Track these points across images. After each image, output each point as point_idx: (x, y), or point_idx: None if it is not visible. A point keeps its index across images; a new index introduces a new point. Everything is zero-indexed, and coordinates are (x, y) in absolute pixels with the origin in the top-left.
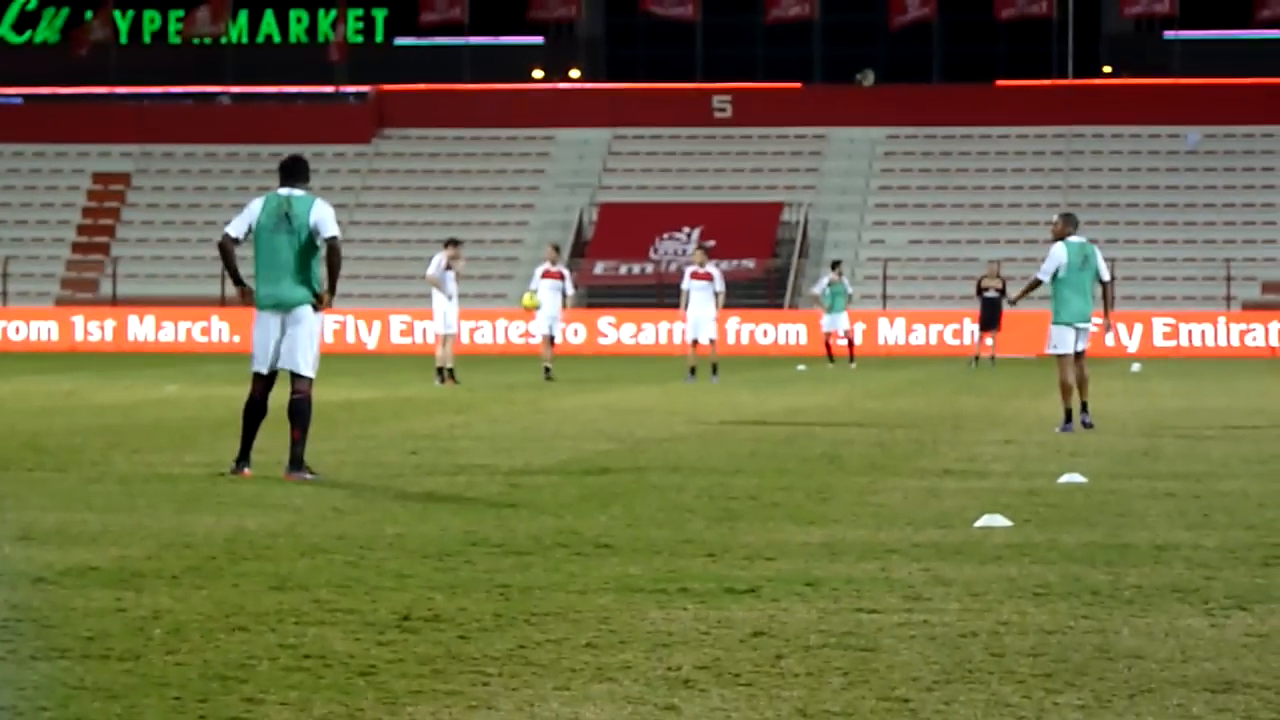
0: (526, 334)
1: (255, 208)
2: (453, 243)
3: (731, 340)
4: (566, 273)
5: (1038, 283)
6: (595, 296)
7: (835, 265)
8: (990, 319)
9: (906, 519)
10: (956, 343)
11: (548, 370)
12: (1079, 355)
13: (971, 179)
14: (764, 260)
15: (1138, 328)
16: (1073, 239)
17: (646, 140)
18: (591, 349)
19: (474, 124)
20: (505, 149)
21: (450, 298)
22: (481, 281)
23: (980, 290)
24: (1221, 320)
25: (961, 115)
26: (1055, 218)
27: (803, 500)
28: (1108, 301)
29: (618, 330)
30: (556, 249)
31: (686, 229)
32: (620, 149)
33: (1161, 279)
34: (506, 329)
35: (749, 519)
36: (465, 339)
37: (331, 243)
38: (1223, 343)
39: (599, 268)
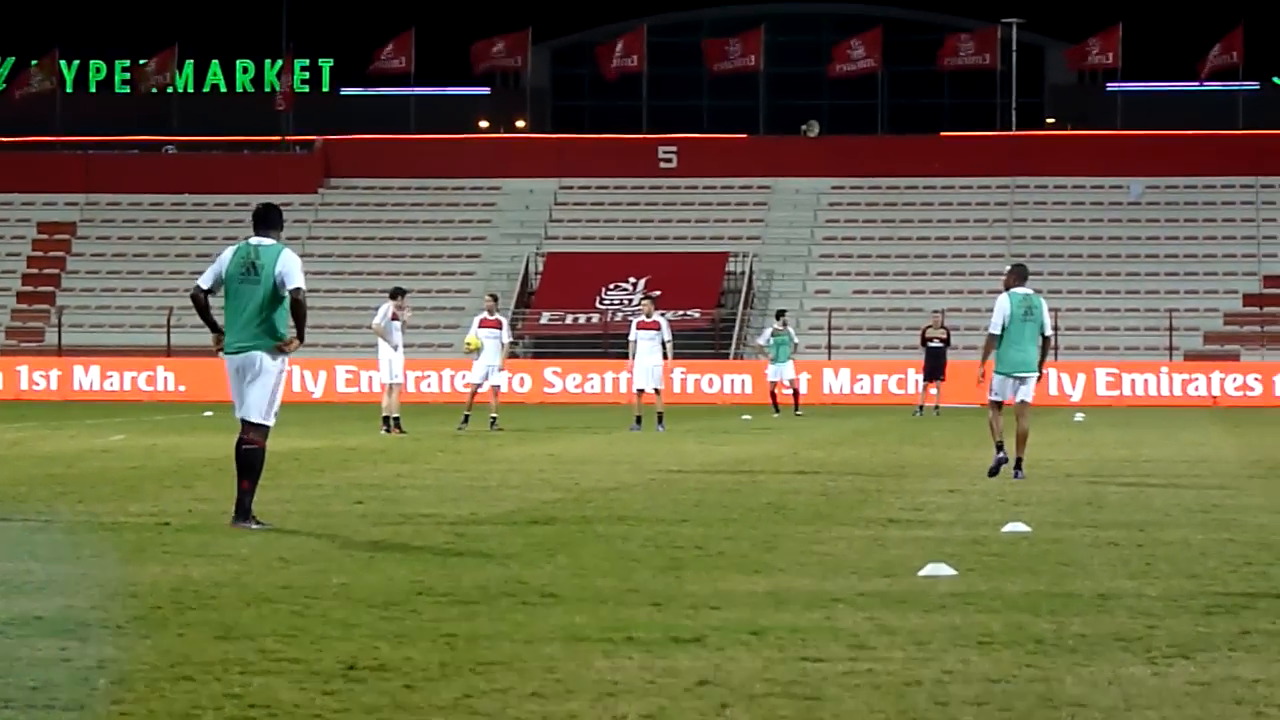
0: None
1: (225, 257)
2: (398, 292)
3: (678, 389)
4: (505, 322)
5: (991, 338)
6: (541, 346)
7: (780, 315)
8: (934, 369)
9: (852, 568)
10: (901, 392)
11: (493, 421)
12: (1022, 406)
13: (916, 229)
14: (709, 310)
15: (1081, 377)
16: (1017, 290)
17: (593, 190)
18: (537, 398)
19: (420, 174)
20: (452, 199)
21: (396, 348)
22: (428, 331)
23: (925, 340)
24: (1164, 370)
25: (906, 166)
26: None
27: (748, 549)
28: (1043, 353)
29: (563, 380)
30: (495, 298)
31: (632, 279)
32: (566, 199)
33: (1105, 329)
34: (452, 378)
35: (695, 568)
36: (411, 388)
37: (295, 294)
38: (1165, 392)
39: (545, 317)
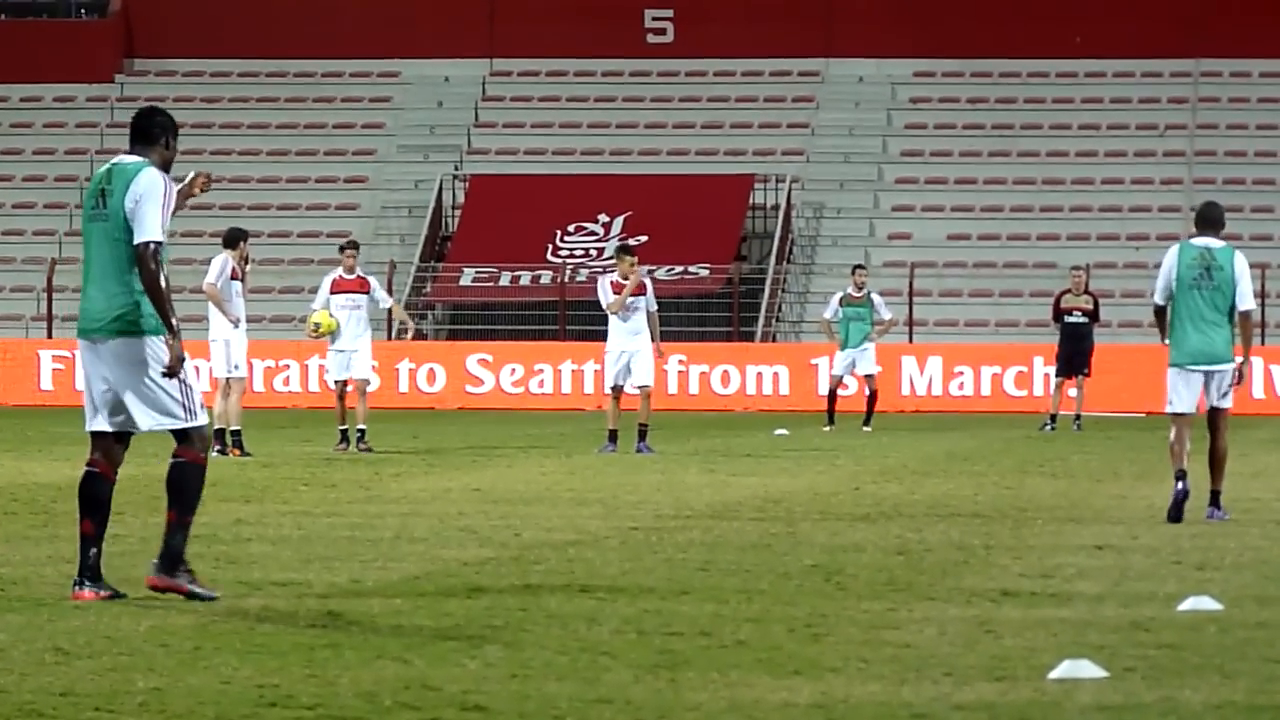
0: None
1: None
2: (238, 238)
3: (674, 389)
4: (375, 283)
5: (1158, 312)
6: (462, 321)
7: (858, 272)
8: (1075, 357)
9: (944, 667)
10: (1022, 393)
11: (361, 435)
12: (1216, 414)
13: (1044, 140)
14: (724, 265)
15: None
16: (1195, 240)
17: (542, 78)
18: (455, 400)
19: (271, 51)
20: (321, 91)
21: (237, 323)
22: (286, 299)
23: (1060, 312)
24: None
25: (1029, 42)
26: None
27: (783, 638)
28: (1246, 336)
29: (495, 373)
30: (355, 247)
31: (604, 216)
32: (500, 91)
33: None
34: (322, 371)
35: (699, 667)
36: (260, 385)
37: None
38: None
39: (467, 276)
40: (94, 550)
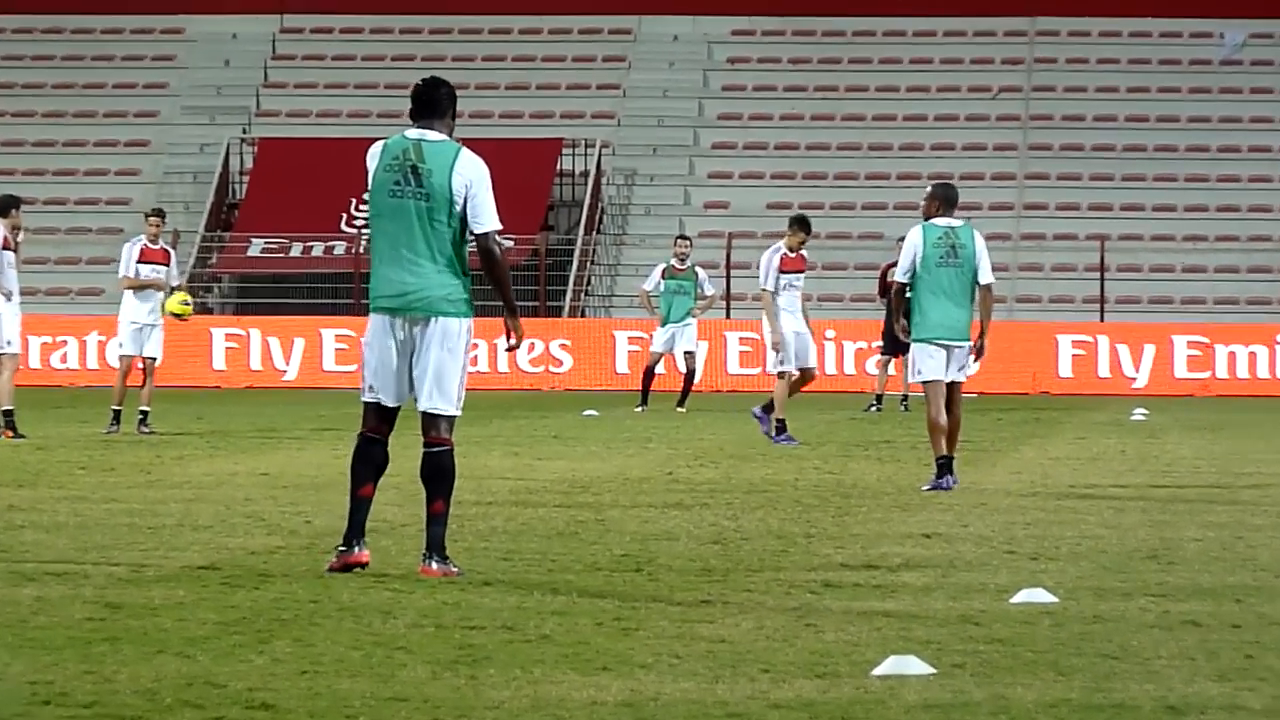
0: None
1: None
2: (10, 205)
3: (484, 367)
4: (174, 254)
5: (900, 288)
6: (251, 294)
7: (681, 242)
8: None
9: (761, 663)
10: (850, 373)
11: (144, 416)
12: (953, 388)
13: (870, 103)
14: (530, 236)
15: (1147, 351)
16: (937, 221)
17: (335, 36)
18: (242, 379)
19: (44, 7)
20: (100, 50)
21: (9, 296)
22: (61, 271)
23: (886, 286)
24: None
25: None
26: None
27: (590, 632)
28: (986, 309)
29: (287, 350)
30: (161, 216)
31: None
32: (292, 49)
33: (1182, 271)
34: (102, 346)
35: (501, 663)
36: (35, 362)
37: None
38: None
39: (256, 247)
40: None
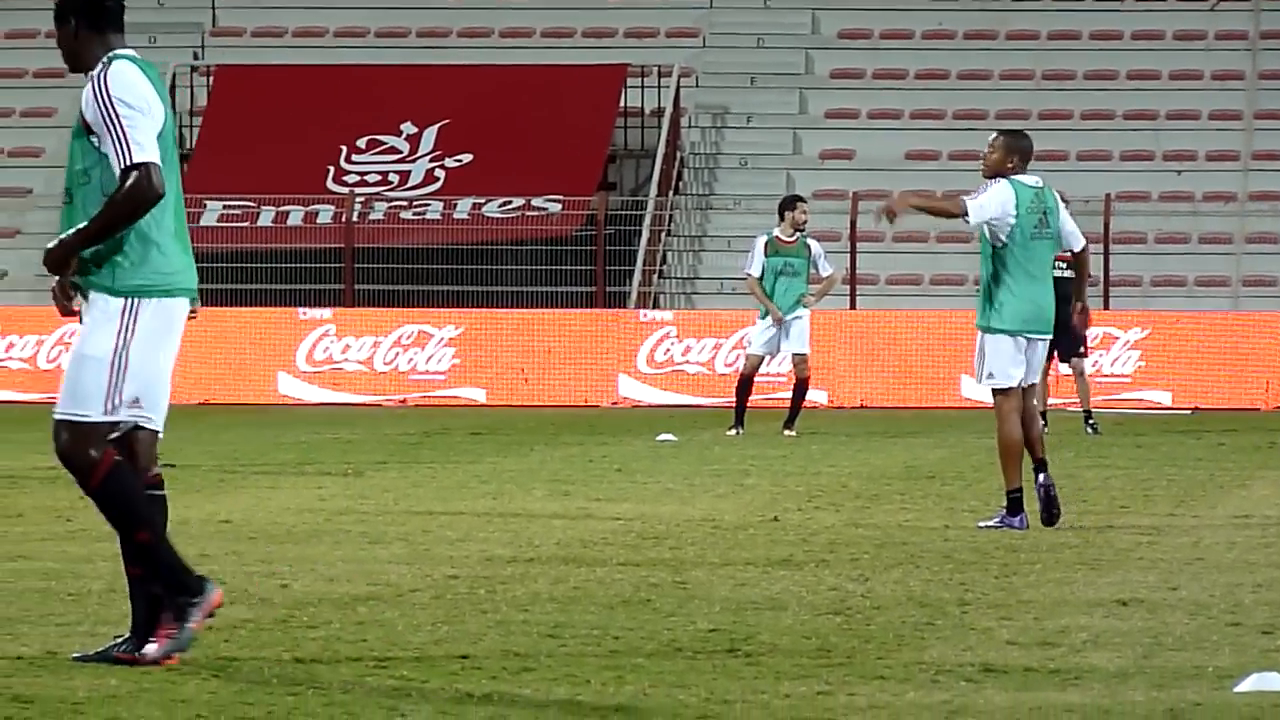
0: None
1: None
2: None
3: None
4: None
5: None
6: (205, 280)
7: (790, 205)
8: (1065, 337)
9: None
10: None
11: None
12: (1029, 391)
13: (1042, 11)
14: (584, 199)
15: None
16: (1022, 179)
17: None
18: (198, 392)
19: None
20: None
21: None
22: None
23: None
24: None
25: None
26: (993, 137)
27: None
28: (1083, 277)
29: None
30: None
31: (408, 126)
32: None
33: None
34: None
35: None
36: None
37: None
38: None
39: (213, 211)
40: None
